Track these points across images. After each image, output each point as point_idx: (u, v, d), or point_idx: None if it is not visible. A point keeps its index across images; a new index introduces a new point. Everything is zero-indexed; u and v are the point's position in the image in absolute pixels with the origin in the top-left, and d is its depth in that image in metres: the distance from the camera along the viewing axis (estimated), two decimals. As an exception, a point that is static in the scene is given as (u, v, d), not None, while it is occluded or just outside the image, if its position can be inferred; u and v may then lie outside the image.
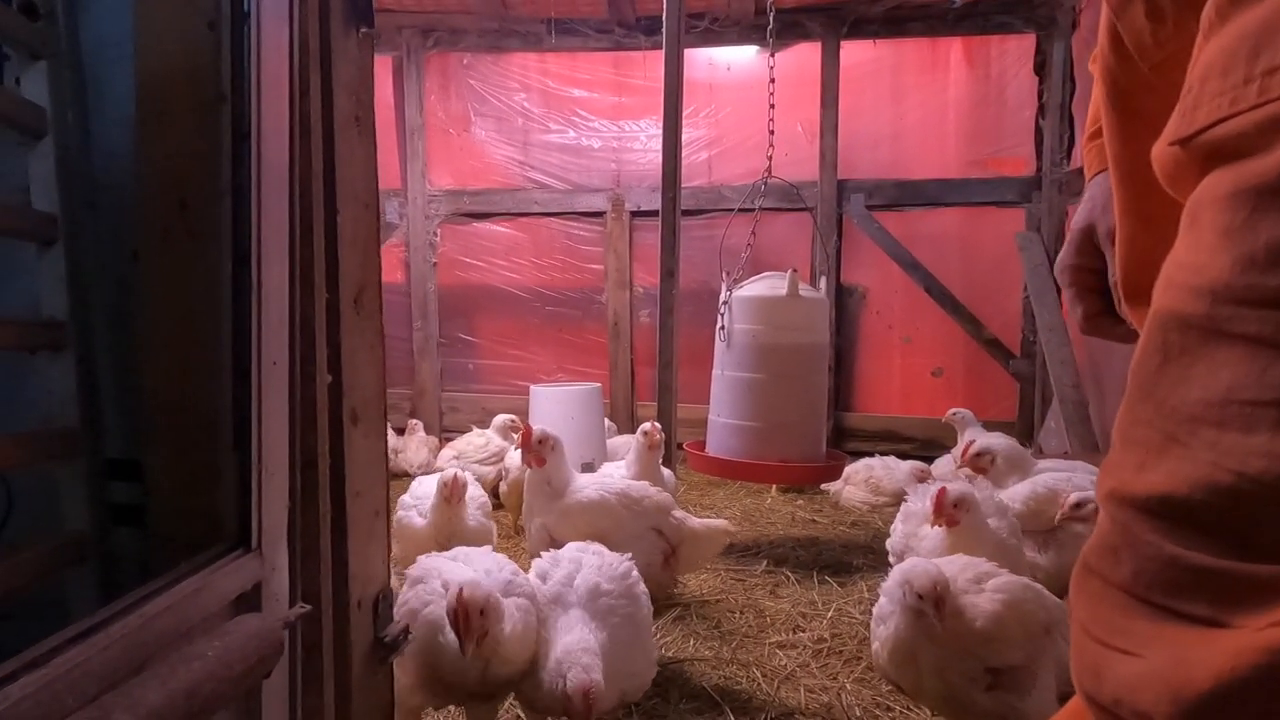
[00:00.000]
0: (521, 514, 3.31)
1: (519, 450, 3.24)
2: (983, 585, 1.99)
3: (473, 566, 2.06)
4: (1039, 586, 2.08)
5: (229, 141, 1.15)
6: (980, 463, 3.26)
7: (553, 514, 2.92)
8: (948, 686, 1.90)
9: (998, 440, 3.51)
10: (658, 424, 3.54)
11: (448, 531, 2.95)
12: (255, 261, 1.17)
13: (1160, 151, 0.60)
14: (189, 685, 0.84)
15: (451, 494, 2.98)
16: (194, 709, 0.84)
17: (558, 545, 2.42)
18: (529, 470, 2.99)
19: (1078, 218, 1.00)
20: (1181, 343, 0.52)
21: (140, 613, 0.93)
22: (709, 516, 4.25)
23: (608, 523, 2.89)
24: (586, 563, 2.16)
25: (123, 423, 1.31)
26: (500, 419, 4.94)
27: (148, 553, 1.23)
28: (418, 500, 3.14)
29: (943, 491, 2.44)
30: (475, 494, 3.20)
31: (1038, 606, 2.00)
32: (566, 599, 2.03)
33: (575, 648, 1.83)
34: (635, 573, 2.20)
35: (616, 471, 3.49)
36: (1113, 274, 0.91)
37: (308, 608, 1.23)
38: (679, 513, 3.09)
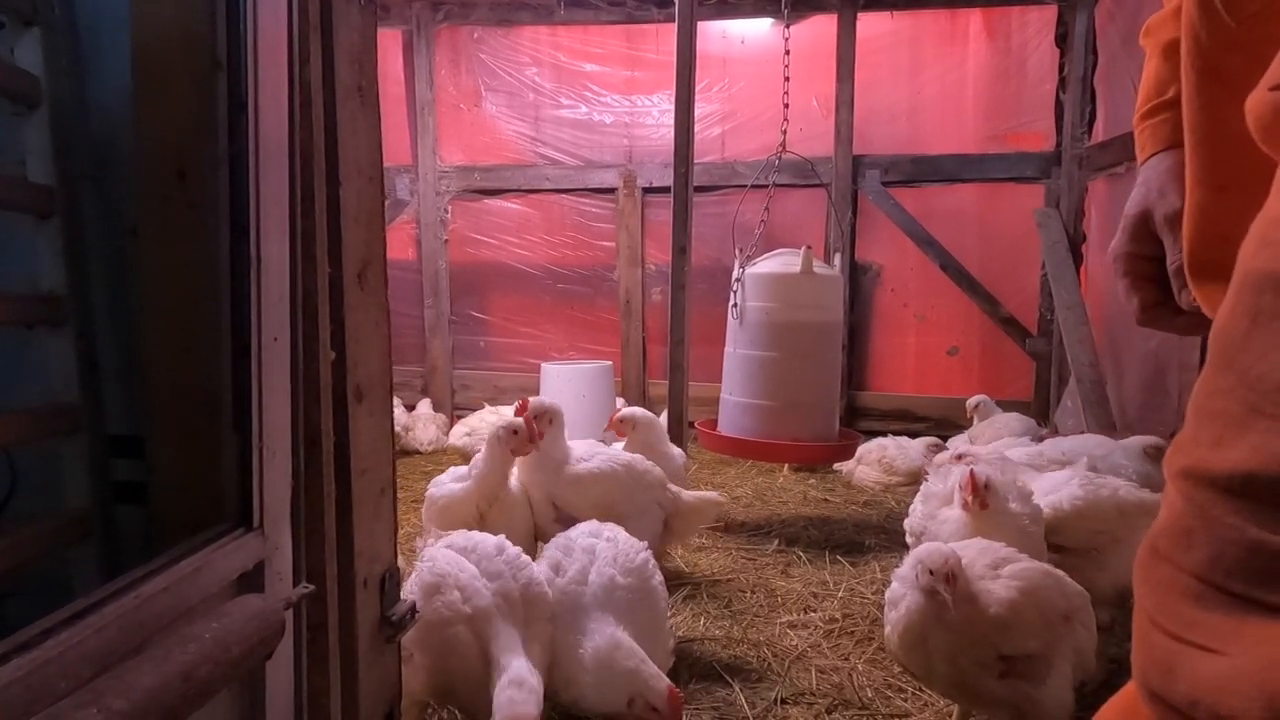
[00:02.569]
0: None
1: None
2: (999, 571, 1.94)
3: (485, 568, 1.94)
4: (1060, 573, 2.03)
5: (225, 110, 1.12)
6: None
7: (560, 484, 2.89)
8: (959, 673, 1.87)
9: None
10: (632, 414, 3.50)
11: (491, 496, 2.79)
12: (254, 235, 1.14)
13: (1259, 100, 0.56)
14: (185, 667, 0.82)
15: (532, 435, 2.79)
16: (190, 691, 0.82)
17: (564, 518, 2.37)
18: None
19: (1131, 203, 0.95)
20: (1276, 306, 0.47)
21: (137, 593, 0.91)
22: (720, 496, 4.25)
23: (618, 494, 2.88)
24: (601, 552, 2.08)
25: (124, 398, 1.29)
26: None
27: (150, 531, 1.22)
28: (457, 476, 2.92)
29: (973, 474, 2.38)
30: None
31: (1057, 594, 1.95)
32: (583, 597, 1.98)
33: (642, 668, 1.82)
34: (652, 563, 2.16)
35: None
36: (1172, 260, 0.86)
37: (311, 587, 1.21)
38: (673, 486, 3.10)
